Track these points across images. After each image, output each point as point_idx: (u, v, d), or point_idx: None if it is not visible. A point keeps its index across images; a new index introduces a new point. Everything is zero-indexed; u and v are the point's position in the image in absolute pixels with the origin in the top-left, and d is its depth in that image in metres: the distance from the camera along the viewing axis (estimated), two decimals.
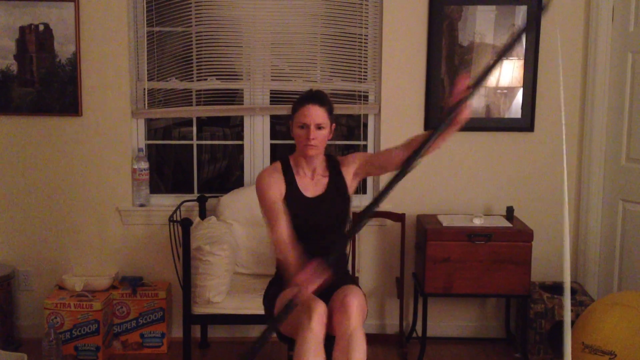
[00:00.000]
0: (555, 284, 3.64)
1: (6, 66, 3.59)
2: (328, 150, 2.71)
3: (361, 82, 3.70)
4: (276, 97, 3.72)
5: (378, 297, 3.80)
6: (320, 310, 2.39)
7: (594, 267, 3.69)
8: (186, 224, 3.16)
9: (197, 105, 3.71)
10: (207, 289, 3.18)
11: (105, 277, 3.62)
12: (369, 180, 3.80)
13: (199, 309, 3.21)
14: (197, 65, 3.66)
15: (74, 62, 3.59)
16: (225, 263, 3.24)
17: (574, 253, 3.78)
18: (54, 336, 3.29)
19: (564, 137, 2.78)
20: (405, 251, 3.62)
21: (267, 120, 3.77)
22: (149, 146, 3.83)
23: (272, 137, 3.80)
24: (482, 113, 3.67)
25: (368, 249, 3.75)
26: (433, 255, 3.34)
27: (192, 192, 3.86)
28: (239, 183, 3.87)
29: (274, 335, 2.64)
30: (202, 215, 3.69)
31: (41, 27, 3.57)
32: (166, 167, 4.45)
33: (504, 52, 2.40)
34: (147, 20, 3.64)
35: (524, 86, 3.63)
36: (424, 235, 3.38)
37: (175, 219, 3.38)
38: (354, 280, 2.70)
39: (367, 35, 3.66)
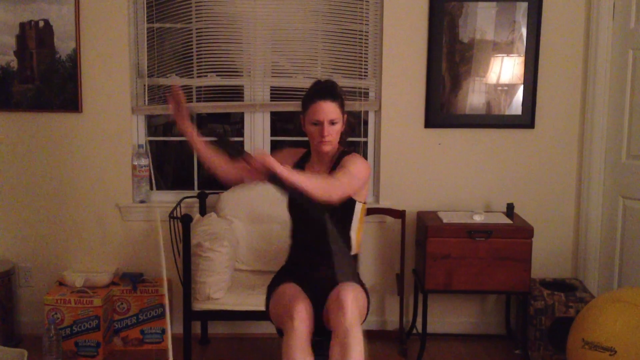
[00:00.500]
0: (555, 280, 3.64)
1: (6, 62, 3.59)
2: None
3: (361, 78, 3.70)
4: (276, 94, 3.71)
5: (378, 294, 3.80)
6: (299, 308, 2.38)
7: (594, 263, 3.69)
8: (186, 220, 3.16)
9: (197, 101, 3.71)
10: (207, 285, 3.18)
11: (105, 274, 3.62)
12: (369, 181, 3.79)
13: (199, 305, 3.22)
14: (197, 62, 3.66)
15: (74, 58, 3.58)
16: (226, 259, 3.24)
17: (574, 250, 3.78)
18: (54, 332, 3.29)
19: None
20: (406, 248, 3.62)
21: (268, 116, 3.76)
22: (149, 143, 3.83)
23: (272, 134, 3.80)
24: (483, 110, 3.67)
25: (368, 245, 3.74)
26: (433, 252, 3.34)
27: (192, 188, 3.86)
28: None
29: (275, 332, 2.66)
30: (203, 211, 3.69)
31: (41, 24, 3.56)
32: (166, 164, 4.45)
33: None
34: (147, 17, 3.64)
35: (525, 83, 3.63)
36: (424, 232, 3.38)
37: (175, 215, 3.38)
38: (360, 281, 2.68)
39: (367, 32, 3.66)
